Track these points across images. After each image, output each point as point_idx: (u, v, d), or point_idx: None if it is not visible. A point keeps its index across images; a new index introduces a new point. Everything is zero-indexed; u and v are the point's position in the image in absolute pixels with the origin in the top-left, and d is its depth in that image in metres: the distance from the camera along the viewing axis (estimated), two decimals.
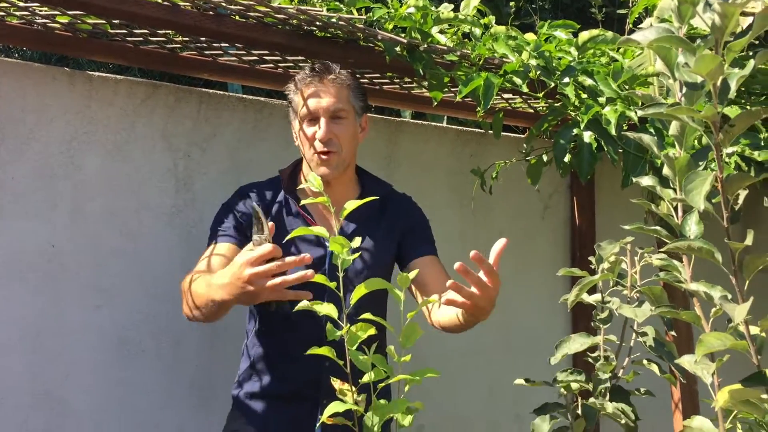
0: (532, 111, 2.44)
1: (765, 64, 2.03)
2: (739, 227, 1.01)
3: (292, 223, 1.74)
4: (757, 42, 2.87)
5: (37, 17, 1.80)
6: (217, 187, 2.03)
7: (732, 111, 1.78)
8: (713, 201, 0.91)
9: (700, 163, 0.95)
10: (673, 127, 0.97)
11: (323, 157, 1.71)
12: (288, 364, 1.72)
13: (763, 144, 1.80)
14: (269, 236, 1.40)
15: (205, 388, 2.06)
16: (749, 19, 0.99)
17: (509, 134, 2.73)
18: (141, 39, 1.93)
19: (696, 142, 1.50)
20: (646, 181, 1.00)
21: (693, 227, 0.94)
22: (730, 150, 1.80)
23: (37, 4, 1.71)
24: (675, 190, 0.95)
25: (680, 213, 0.98)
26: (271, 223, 1.44)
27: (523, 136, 2.74)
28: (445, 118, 2.96)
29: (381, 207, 1.77)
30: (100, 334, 1.94)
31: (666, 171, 0.95)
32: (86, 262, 1.94)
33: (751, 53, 2.02)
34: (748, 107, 1.91)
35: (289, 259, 1.39)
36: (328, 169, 1.71)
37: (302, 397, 1.71)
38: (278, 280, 1.39)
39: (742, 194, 0.92)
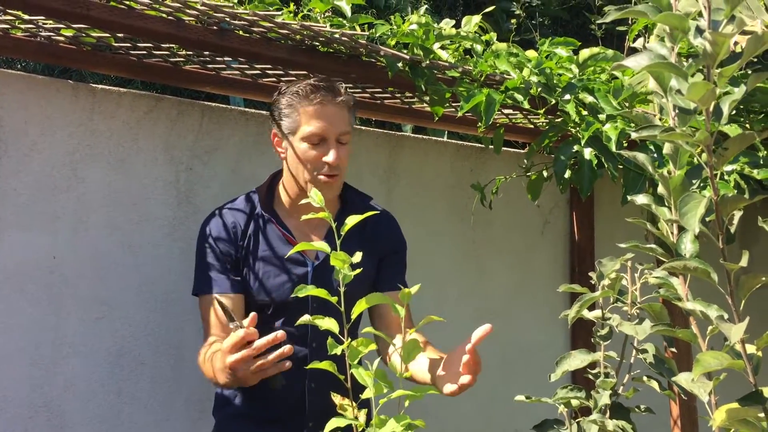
0: (532, 126, 2.45)
1: (764, 82, 2.04)
2: (735, 246, 1.02)
3: (270, 240, 1.70)
4: (755, 60, 2.89)
5: (41, 30, 1.81)
6: (218, 200, 2.03)
7: (731, 129, 1.79)
8: (708, 220, 0.92)
9: (694, 182, 0.96)
10: (667, 146, 0.98)
11: (327, 179, 1.66)
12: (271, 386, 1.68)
13: (762, 162, 1.81)
14: (240, 322, 1.43)
15: (204, 400, 2.06)
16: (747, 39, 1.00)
17: (509, 149, 2.74)
18: (144, 52, 1.95)
19: (695, 159, 1.51)
20: (641, 199, 1.01)
21: (688, 246, 0.95)
22: (729, 168, 1.81)
23: (42, 18, 1.72)
24: (670, 209, 0.96)
25: (676, 231, 0.99)
26: (252, 314, 1.44)
27: (522, 151, 2.75)
28: (446, 132, 2.97)
29: (361, 221, 1.75)
30: (100, 345, 1.95)
31: (661, 189, 0.96)
32: (87, 273, 1.94)
33: (750, 71, 2.04)
34: (747, 126, 1.92)
35: (260, 342, 1.39)
36: (331, 192, 1.67)
37: (287, 420, 1.68)
38: (258, 363, 1.41)
39: (737, 215, 0.93)
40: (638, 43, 2.08)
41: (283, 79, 2.14)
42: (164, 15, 1.73)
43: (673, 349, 1.37)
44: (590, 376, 1.27)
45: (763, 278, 0.88)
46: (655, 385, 1.23)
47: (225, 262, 1.68)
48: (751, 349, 0.92)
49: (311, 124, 1.64)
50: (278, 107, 1.70)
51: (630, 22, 2.35)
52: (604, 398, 1.19)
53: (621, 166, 1.97)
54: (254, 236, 1.71)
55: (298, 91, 1.66)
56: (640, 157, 1.02)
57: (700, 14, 0.96)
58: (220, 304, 1.45)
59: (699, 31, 0.88)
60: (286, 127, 1.68)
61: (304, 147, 1.66)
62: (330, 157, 1.64)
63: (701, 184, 1.08)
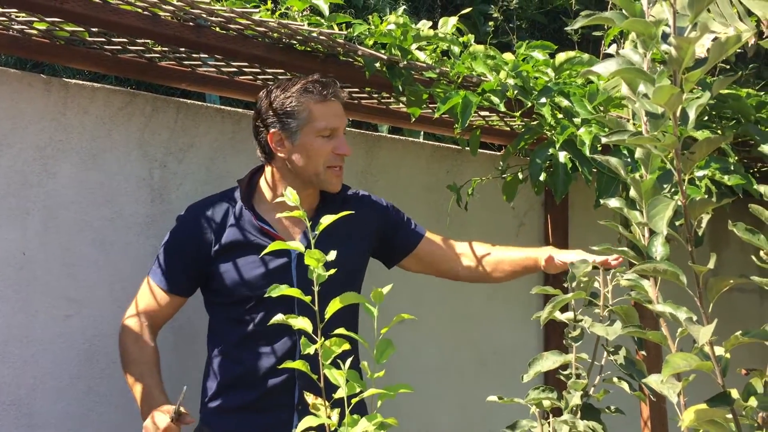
0: (508, 129, 2.47)
1: (735, 89, 2.08)
2: (706, 249, 1.04)
3: (249, 233, 1.72)
4: (728, 66, 2.92)
5: (14, 23, 1.78)
6: (192, 198, 2.01)
7: (701, 135, 1.82)
8: (678, 224, 0.93)
9: (665, 186, 0.97)
10: (639, 151, 1.00)
11: (338, 171, 1.75)
12: (261, 376, 1.71)
13: (732, 168, 1.84)
14: (180, 410, 1.60)
15: (176, 399, 2.04)
16: None
17: (484, 151, 2.76)
18: (119, 47, 1.93)
19: (667, 164, 1.53)
20: (614, 203, 1.02)
21: (659, 249, 0.97)
22: (700, 174, 1.83)
23: (15, 10, 1.70)
24: (641, 212, 0.97)
25: (647, 235, 1.00)
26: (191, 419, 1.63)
27: (498, 153, 2.77)
28: (422, 133, 2.98)
29: (341, 210, 1.77)
30: (70, 344, 1.92)
31: (633, 193, 0.98)
32: (57, 270, 1.91)
33: (722, 77, 2.07)
34: (718, 132, 1.95)
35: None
36: (340, 184, 1.77)
37: (276, 405, 1.70)
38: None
39: (705, 218, 0.94)
40: (612, 49, 2.10)
41: (259, 77, 2.13)
42: (140, 10, 1.71)
43: (643, 352, 1.39)
44: (562, 378, 1.28)
45: (731, 281, 0.89)
46: (625, 386, 1.25)
47: (184, 260, 1.74)
48: (719, 350, 0.93)
49: (326, 119, 1.71)
50: (283, 107, 1.70)
51: (606, 27, 2.37)
52: (575, 399, 1.20)
53: (595, 170, 1.99)
54: (232, 229, 1.73)
55: (307, 88, 1.71)
56: (613, 161, 1.04)
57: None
58: (177, 409, 1.59)
59: (664, 36, 0.89)
60: (294, 125, 1.70)
61: (319, 141, 1.72)
62: (343, 148, 1.74)
63: (672, 189, 1.10)
